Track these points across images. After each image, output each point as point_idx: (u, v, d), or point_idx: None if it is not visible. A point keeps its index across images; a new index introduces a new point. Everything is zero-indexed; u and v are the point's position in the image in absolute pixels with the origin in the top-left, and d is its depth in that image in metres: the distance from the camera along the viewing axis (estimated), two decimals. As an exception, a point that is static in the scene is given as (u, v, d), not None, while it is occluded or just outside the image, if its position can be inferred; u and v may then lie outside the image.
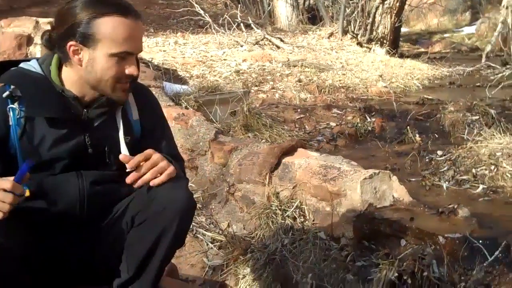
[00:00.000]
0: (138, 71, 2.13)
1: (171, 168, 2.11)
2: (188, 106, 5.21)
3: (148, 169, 2.08)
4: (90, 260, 2.25)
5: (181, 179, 2.16)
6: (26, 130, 2.13)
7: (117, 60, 2.07)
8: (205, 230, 3.61)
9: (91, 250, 2.25)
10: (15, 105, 2.11)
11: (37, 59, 2.26)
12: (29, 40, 5.93)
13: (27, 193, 2.07)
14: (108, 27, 2.04)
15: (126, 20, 2.05)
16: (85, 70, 2.11)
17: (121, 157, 2.10)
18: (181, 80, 6.71)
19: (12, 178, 1.88)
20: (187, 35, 10.17)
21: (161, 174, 2.09)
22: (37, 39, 5.90)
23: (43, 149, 2.13)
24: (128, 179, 2.08)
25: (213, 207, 3.89)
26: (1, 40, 5.88)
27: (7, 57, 5.71)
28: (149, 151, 2.11)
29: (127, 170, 2.13)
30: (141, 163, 2.08)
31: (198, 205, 3.78)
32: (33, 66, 2.20)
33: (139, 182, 2.08)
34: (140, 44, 2.13)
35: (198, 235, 3.55)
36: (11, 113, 2.11)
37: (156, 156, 2.10)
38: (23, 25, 6.00)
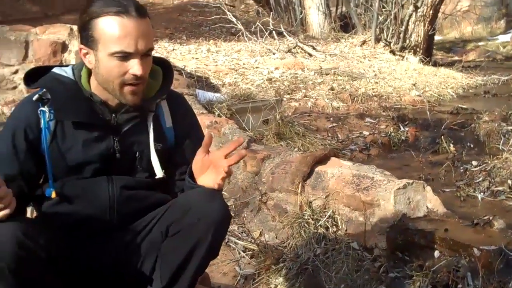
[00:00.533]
0: (144, 71, 2.10)
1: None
2: (220, 114, 5.22)
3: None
4: (122, 267, 2.26)
5: (216, 190, 2.15)
6: (56, 133, 2.17)
7: (119, 60, 2.07)
8: (237, 239, 3.60)
9: (123, 256, 2.26)
10: (45, 108, 2.15)
11: (73, 65, 2.29)
12: (64, 47, 6.00)
13: (53, 195, 2.12)
14: (104, 27, 2.06)
15: (122, 19, 2.04)
16: (95, 72, 2.15)
17: (207, 134, 2.14)
18: (214, 88, 6.73)
19: None
20: (219, 43, 10.20)
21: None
22: (72, 46, 5.98)
23: (72, 152, 2.16)
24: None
25: (245, 215, 3.89)
26: (36, 47, 5.95)
27: (42, 63, 5.78)
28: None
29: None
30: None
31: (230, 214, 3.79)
32: (65, 71, 2.24)
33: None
34: (141, 43, 2.07)
35: (230, 244, 3.55)
36: (42, 116, 2.15)
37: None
38: (58, 32, 6.06)
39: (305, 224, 3.48)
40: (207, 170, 2.15)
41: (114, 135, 2.21)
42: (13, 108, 2.32)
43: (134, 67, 2.07)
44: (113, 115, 2.21)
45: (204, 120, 4.51)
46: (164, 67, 2.36)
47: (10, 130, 2.17)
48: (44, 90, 2.17)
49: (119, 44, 2.05)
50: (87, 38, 2.10)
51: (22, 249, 1.86)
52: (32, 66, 4.98)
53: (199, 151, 2.14)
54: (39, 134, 2.16)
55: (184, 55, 8.91)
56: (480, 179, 4.00)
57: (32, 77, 2.24)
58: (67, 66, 2.30)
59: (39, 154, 2.18)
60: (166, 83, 2.33)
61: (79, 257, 2.18)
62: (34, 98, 2.16)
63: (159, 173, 2.26)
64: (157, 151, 2.26)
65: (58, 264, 2.04)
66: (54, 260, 2.01)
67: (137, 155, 2.26)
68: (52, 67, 2.29)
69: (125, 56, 2.06)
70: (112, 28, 2.05)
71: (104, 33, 2.06)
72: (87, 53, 2.14)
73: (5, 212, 1.88)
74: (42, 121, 2.15)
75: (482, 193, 3.76)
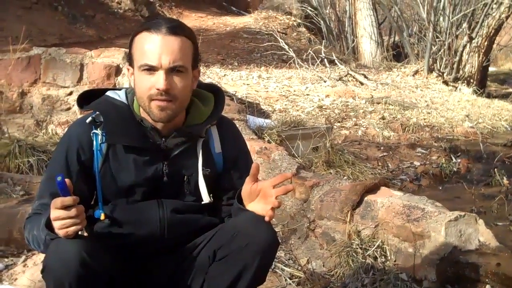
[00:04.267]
0: (167, 86, 2.09)
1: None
2: (270, 140, 5.23)
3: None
4: (172, 287, 2.27)
5: (263, 217, 2.15)
6: (108, 156, 2.20)
7: (145, 74, 2.10)
8: (284, 265, 3.58)
9: (172, 279, 2.27)
10: (98, 131, 2.19)
11: (127, 89, 2.33)
12: (118, 71, 6.11)
13: (102, 217, 2.16)
14: (136, 43, 2.13)
15: (151, 34, 2.09)
16: (135, 90, 2.19)
17: (254, 164, 2.15)
18: (264, 114, 6.76)
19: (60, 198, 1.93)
20: (270, 69, 10.26)
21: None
22: (125, 70, 6.07)
23: (122, 175, 2.20)
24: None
25: (292, 242, 3.87)
26: (91, 70, 6.08)
27: (96, 86, 5.89)
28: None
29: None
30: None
31: (278, 240, 3.77)
32: (118, 94, 2.29)
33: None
34: (166, 57, 2.08)
35: (277, 270, 3.53)
36: (94, 138, 2.19)
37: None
38: (112, 55, 6.18)
39: (353, 253, 3.44)
40: (256, 198, 2.16)
41: (164, 159, 2.24)
42: (66, 129, 2.37)
43: (158, 81, 2.09)
44: (163, 139, 2.23)
45: (254, 145, 4.52)
46: (215, 94, 2.38)
47: (63, 151, 2.21)
48: (97, 113, 2.21)
49: (144, 58, 2.09)
50: (129, 57, 2.19)
51: (85, 269, 1.90)
52: (86, 88, 5.10)
53: (247, 180, 2.15)
54: (91, 156, 2.20)
55: (235, 80, 8.98)
56: (534, 213, 3.92)
57: (85, 100, 2.28)
58: (121, 89, 2.34)
59: (90, 176, 2.21)
60: (217, 109, 2.35)
61: (133, 279, 2.21)
62: (88, 120, 2.20)
63: (206, 198, 2.28)
64: (205, 176, 2.28)
65: (116, 285, 2.07)
66: (113, 281, 2.04)
67: (185, 179, 2.28)
68: (106, 90, 2.34)
69: (150, 70, 2.09)
70: (141, 43, 2.11)
71: (136, 48, 2.13)
72: (132, 73, 2.19)
73: (78, 227, 1.93)
74: (94, 143, 2.19)
75: (536, 228, 3.68)
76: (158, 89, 2.09)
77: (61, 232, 1.93)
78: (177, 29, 2.13)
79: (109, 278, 2.02)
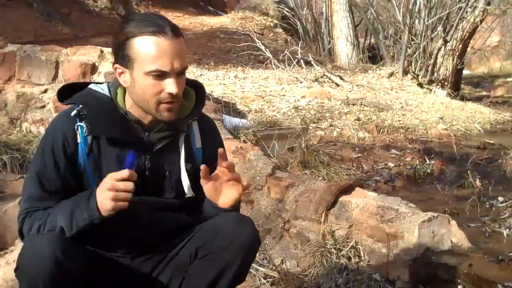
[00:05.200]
0: (179, 89, 2.12)
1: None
2: (246, 140, 5.23)
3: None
4: (151, 286, 2.27)
5: (246, 216, 2.17)
6: (92, 148, 2.19)
7: (154, 79, 2.09)
8: (258, 265, 3.58)
9: (151, 277, 2.27)
10: (83, 124, 2.18)
11: (108, 83, 2.32)
12: (94, 69, 6.07)
13: None
14: (140, 46, 2.09)
15: (158, 39, 2.07)
16: (130, 91, 2.18)
17: (202, 166, 2.15)
18: (240, 114, 6.75)
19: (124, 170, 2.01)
20: (247, 70, 10.25)
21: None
22: (101, 68, 6.05)
23: (105, 168, 2.18)
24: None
25: (267, 242, 3.87)
26: (67, 68, 6.03)
27: (73, 82, 5.83)
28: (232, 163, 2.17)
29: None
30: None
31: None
32: (101, 88, 2.28)
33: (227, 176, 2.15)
34: (176, 62, 2.09)
35: (251, 270, 3.53)
36: (79, 131, 2.18)
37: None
38: (88, 53, 6.14)
39: (327, 254, 3.45)
40: (222, 192, 2.19)
41: (146, 153, 2.24)
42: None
43: (170, 86, 2.10)
44: (146, 133, 2.24)
45: (229, 145, 4.52)
46: (196, 89, 2.39)
47: (49, 146, 2.19)
48: (81, 106, 2.19)
49: (155, 64, 2.07)
50: (123, 58, 2.14)
51: (60, 268, 1.89)
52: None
53: (202, 182, 2.17)
54: (76, 149, 2.19)
55: (212, 80, 8.96)
56: (506, 215, 3.96)
57: (65, 94, 2.27)
58: (102, 83, 2.33)
59: (76, 169, 2.20)
60: (198, 104, 2.36)
61: (109, 277, 2.20)
62: (73, 113, 2.18)
63: (189, 192, 2.28)
64: (187, 171, 2.28)
65: (90, 284, 2.06)
66: (88, 280, 2.03)
67: (166, 174, 2.28)
68: (86, 83, 2.32)
69: (161, 75, 2.09)
70: (148, 48, 2.08)
71: (140, 52, 2.09)
72: (122, 73, 2.17)
73: (126, 204, 2.00)
74: (79, 136, 2.18)
75: (507, 229, 3.72)
76: (170, 93, 2.10)
77: (109, 205, 1.98)
78: (177, 29, 2.14)
79: (84, 278, 2.01)
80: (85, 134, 2.18)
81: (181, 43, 2.13)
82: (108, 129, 2.19)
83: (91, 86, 2.29)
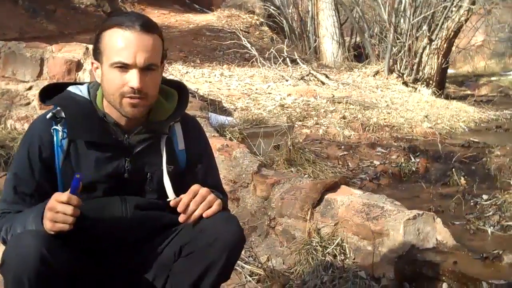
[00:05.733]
0: (142, 84, 2.09)
1: (218, 201, 2.13)
2: (232, 138, 5.23)
3: (197, 205, 2.09)
4: (135, 285, 2.26)
5: (231, 214, 2.16)
6: (69, 152, 2.18)
7: (118, 72, 2.08)
8: (244, 263, 3.58)
9: (135, 276, 2.26)
10: (59, 127, 2.17)
11: (89, 84, 2.31)
12: (79, 66, 6.01)
13: None
14: (107, 39, 2.10)
15: (125, 32, 2.07)
16: (102, 86, 2.18)
17: (171, 203, 2.12)
18: (226, 112, 6.75)
19: (66, 192, 1.96)
20: (233, 68, 10.25)
21: (210, 207, 2.11)
22: (86, 65, 6.01)
23: (83, 172, 2.15)
24: (181, 219, 2.10)
25: (253, 240, 3.87)
26: (51, 65, 5.98)
27: (56, 81, 5.79)
28: (195, 187, 2.12)
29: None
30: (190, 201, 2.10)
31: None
32: (80, 89, 2.26)
33: (192, 219, 2.10)
34: (141, 56, 2.07)
35: (237, 268, 3.53)
36: (55, 134, 2.16)
37: (203, 190, 2.11)
38: (73, 50, 6.08)
39: (313, 251, 3.46)
40: None
41: (126, 156, 2.22)
42: (25, 124, 2.35)
43: (132, 79, 2.08)
44: (126, 136, 2.22)
45: (215, 143, 4.52)
46: (179, 91, 2.38)
47: (25, 148, 2.19)
48: (58, 108, 2.18)
49: (118, 55, 2.07)
50: (96, 51, 2.16)
51: (44, 265, 1.88)
52: (46, 83, 5.02)
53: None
54: (52, 153, 2.17)
55: (198, 78, 8.95)
56: (491, 213, 3.99)
57: (47, 94, 2.26)
58: (83, 84, 2.32)
59: (52, 173, 2.19)
60: (181, 106, 2.34)
61: (95, 275, 2.19)
62: (48, 116, 2.18)
63: (171, 195, 2.25)
64: (168, 173, 2.26)
65: (75, 281, 2.05)
66: (72, 277, 2.02)
67: (148, 176, 2.26)
68: (68, 84, 2.31)
69: (124, 67, 2.08)
70: (114, 40, 2.08)
71: (107, 44, 2.10)
72: (97, 67, 2.18)
73: (65, 227, 1.95)
74: (55, 139, 2.17)
75: (492, 227, 3.74)
76: (132, 88, 2.08)
77: (48, 225, 1.94)
78: (150, 26, 2.12)
79: (69, 275, 2.00)
80: (61, 138, 2.17)
81: (151, 39, 2.11)
82: (86, 133, 2.18)
83: (70, 88, 2.27)
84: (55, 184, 2.20)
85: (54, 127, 2.16)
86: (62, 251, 1.97)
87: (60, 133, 2.16)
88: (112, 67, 2.08)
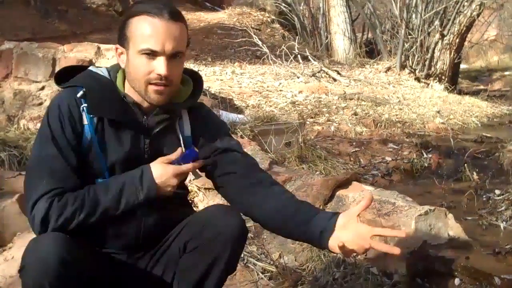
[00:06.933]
0: (169, 71, 2.10)
1: None
2: (243, 135, 5.23)
3: None
4: (141, 282, 2.28)
5: (232, 207, 2.17)
6: (98, 129, 2.18)
7: (145, 58, 2.09)
8: (256, 260, 3.59)
9: (147, 271, 2.28)
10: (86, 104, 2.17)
11: (107, 67, 2.32)
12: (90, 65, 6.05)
13: None
14: (135, 25, 2.11)
15: (153, 19, 2.08)
16: (126, 71, 2.19)
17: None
18: (237, 110, 6.75)
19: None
20: (244, 65, 10.25)
21: None
22: (98, 65, 6.03)
23: (106, 151, 2.17)
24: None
25: (264, 237, 3.87)
26: (63, 65, 5.93)
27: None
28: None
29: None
30: None
31: (250, 235, 3.77)
32: (101, 70, 2.28)
33: None
34: (169, 44, 2.09)
35: (249, 265, 3.54)
36: (85, 112, 2.16)
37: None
38: (85, 50, 6.11)
39: (325, 248, 3.45)
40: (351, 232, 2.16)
41: (145, 137, 2.24)
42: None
43: (159, 66, 2.09)
44: (145, 117, 2.23)
45: (227, 140, 4.51)
46: (194, 78, 2.39)
47: (56, 122, 2.13)
48: (84, 89, 2.18)
49: (147, 42, 2.08)
50: (122, 37, 2.16)
51: (65, 268, 1.87)
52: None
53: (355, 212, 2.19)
54: (82, 130, 2.16)
55: (209, 76, 8.96)
56: (503, 208, 3.96)
57: (63, 77, 2.26)
58: (101, 67, 2.33)
59: (81, 150, 2.16)
60: (196, 91, 2.36)
61: (108, 275, 2.19)
62: (79, 94, 2.16)
63: (196, 175, 2.33)
64: None
65: (95, 284, 2.06)
66: (93, 280, 2.03)
67: None
68: (83, 67, 2.32)
69: (151, 54, 2.09)
70: (142, 27, 2.09)
71: (135, 31, 2.11)
72: (121, 53, 2.19)
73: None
74: (85, 116, 2.16)
75: (504, 222, 3.72)
76: (159, 74, 2.10)
77: (170, 185, 2.14)
78: (177, 14, 2.14)
79: (89, 277, 2.00)
80: (91, 115, 2.17)
81: (179, 27, 2.13)
82: (108, 111, 2.18)
83: (91, 68, 2.29)
84: (83, 162, 2.15)
85: (84, 105, 2.15)
86: (82, 253, 1.97)
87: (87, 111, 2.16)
88: (139, 53, 2.10)
